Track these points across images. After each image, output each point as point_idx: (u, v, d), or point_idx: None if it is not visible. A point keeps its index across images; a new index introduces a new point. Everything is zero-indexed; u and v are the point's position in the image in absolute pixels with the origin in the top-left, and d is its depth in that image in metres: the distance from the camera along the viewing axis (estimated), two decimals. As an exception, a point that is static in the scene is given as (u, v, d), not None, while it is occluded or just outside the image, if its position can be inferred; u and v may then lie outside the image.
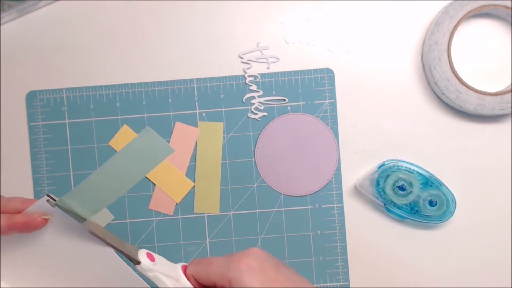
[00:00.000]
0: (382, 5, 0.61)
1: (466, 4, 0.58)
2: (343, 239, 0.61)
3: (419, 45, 0.61)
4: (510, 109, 0.58)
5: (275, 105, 0.61)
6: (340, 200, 0.61)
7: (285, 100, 0.61)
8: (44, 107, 0.60)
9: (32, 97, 0.60)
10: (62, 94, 0.61)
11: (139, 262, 0.43)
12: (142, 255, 0.43)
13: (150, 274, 0.43)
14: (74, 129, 0.61)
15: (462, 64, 0.60)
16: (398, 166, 0.59)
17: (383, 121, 0.61)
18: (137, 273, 0.43)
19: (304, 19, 0.61)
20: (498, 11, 0.59)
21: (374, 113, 0.61)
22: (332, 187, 0.61)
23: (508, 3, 0.58)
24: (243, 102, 0.61)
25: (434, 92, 0.61)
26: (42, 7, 0.61)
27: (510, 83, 0.60)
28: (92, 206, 0.44)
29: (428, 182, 0.59)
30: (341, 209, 0.61)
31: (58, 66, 0.61)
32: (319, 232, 0.61)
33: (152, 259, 0.44)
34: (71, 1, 0.61)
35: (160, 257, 0.45)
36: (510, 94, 0.58)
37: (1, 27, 0.61)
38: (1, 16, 0.59)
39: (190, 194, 0.61)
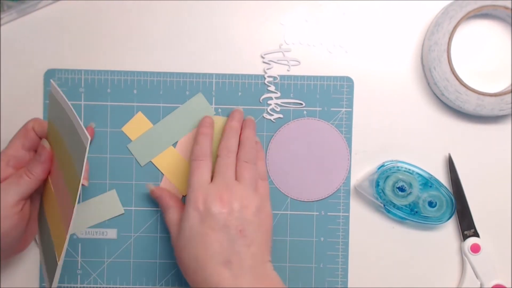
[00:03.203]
0: (382, 6, 0.61)
1: (466, 5, 0.58)
2: (346, 249, 0.60)
3: (418, 46, 0.61)
4: (509, 110, 0.58)
5: (291, 108, 0.61)
6: (347, 209, 0.61)
7: (302, 104, 0.61)
8: (62, 87, 0.60)
9: (50, 76, 0.60)
10: (81, 75, 0.61)
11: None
12: None
13: None
14: (89, 111, 0.60)
15: (462, 65, 0.60)
16: (397, 167, 0.58)
17: (382, 121, 0.61)
18: None
19: (304, 20, 0.61)
20: (498, 11, 0.59)
21: (374, 114, 0.61)
22: (340, 196, 0.61)
23: (508, 4, 0.58)
24: (260, 102, 0.61)
25: (434, 93, 0.61)
26: (42, 7, 0.61)
27: (509, 83, 0.60)
28: (149, 153, 0.60)
29: (428, 183, 0.59)
30: (346, 218, 0.61)
31: (57, 68, 0.61)
32: (322, 239, 0.61)
33: None
34: (71, 2, 0.61)
35: None
36: (509, 95, 0.58)
37: (1, 27, 0.60)
38: (1, 16, 0.59)
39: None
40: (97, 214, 0.60)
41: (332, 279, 0.60)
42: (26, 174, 0.52)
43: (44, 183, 0.55)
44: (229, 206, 0.51)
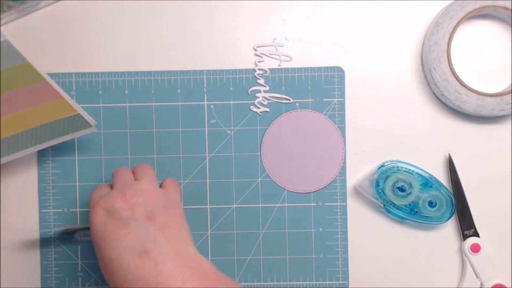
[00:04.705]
0: (382, 5, 0.61)
1: (466, 5, 0.58)
2: (345, 238, 0.61)
3: (418, 46, 0.61)
4: (509, 110, 0.58)
5: (279, 102, 0.60)
6: (344, 199, 0.61)
7: (289, 100, 0.60)
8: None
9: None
10: (72, 78, 0.61)
11: None
12: None
13: None
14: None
15: (462, 65, 0.60)
16: (397, 167, 0.58)
17: (382, 122, 0.61)
18: None
19: (306, 17, 0.61)
20: (498, 12, 0.59)
21: (374, 114, 0.61)
22: (337, 186, 0.61)
23: (508, 4, 0.58)
24: (248, 95, 0.61)
25: (434, 93, 0.60)
26: (42, 7, 0.61)
27: (509, 84, 0.60)
28: None
29: (428, 183, 0.59)
30: (344, 208, 0.61)
31: (57, 68, 0.61)
32: (321, 229, 0.61)
33: None
34: (71, 2, 0.61)
35: None
36: (509, 95, 0.58)
37: (1, 27, 0.60)
38: (1, 16, 0.59)
39: (197, 186, 0.61)
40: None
41: (332, 269, 0.61)
42: None
43: None
44: (133, 201, 0.49)
